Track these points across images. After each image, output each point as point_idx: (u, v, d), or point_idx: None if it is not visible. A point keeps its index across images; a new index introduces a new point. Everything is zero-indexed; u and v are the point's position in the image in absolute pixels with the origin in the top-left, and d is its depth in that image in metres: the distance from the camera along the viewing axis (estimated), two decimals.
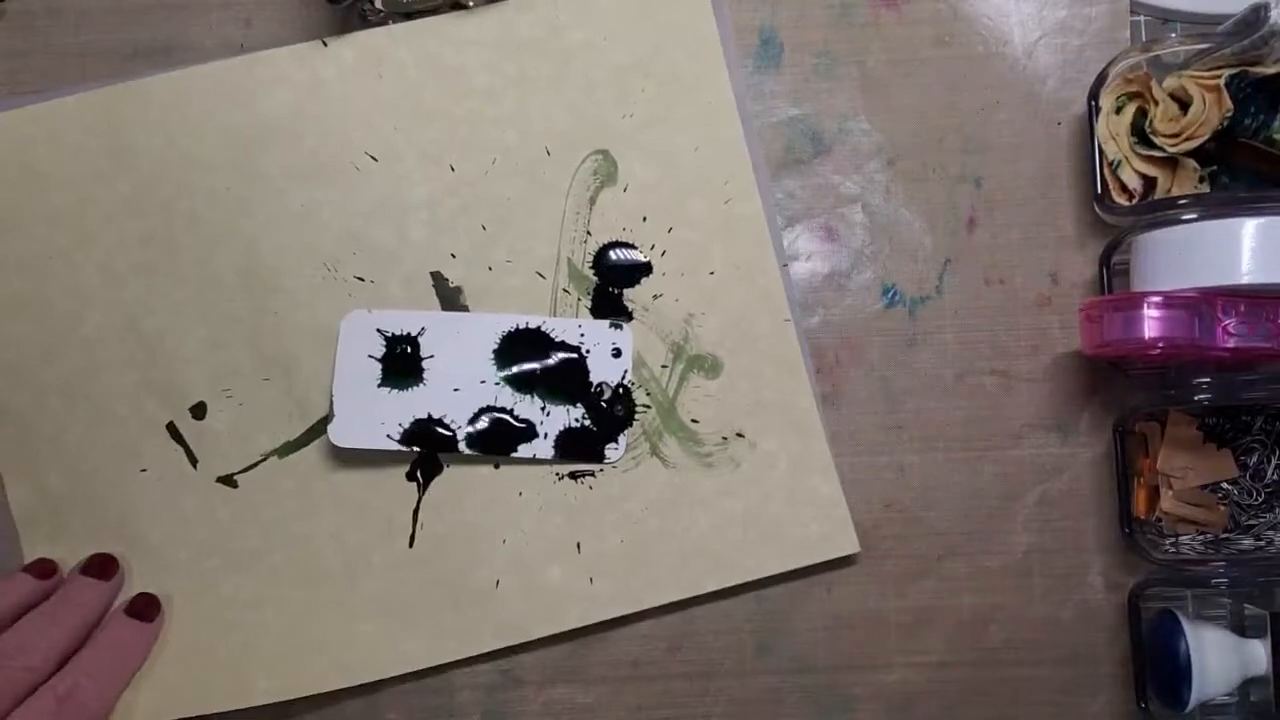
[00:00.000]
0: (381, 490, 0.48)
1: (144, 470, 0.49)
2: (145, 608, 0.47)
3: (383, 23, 0.49)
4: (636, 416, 0.48)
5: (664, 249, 0.49)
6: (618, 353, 0.48)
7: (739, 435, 0.49)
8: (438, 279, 0.49)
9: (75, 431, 0.49)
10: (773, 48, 0.50)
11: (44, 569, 0.47)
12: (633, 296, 0.49)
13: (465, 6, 0.49)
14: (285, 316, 0.48)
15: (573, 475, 0.48)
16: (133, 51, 0.50)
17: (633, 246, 0.49)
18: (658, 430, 0.49)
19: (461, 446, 0.48)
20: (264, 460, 0.49)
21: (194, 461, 0.49)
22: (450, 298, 0.49)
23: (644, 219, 0.49)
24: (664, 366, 0.49)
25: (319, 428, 0.48)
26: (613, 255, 0.49)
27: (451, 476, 0.48)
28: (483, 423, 0.48)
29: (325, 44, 0.48)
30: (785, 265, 0.49)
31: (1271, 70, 0.44)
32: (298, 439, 0.49)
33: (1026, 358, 0.49)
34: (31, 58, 0.50)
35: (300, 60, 0.48)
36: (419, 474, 0.49)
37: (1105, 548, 0.48)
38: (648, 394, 0.49)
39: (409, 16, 0.49)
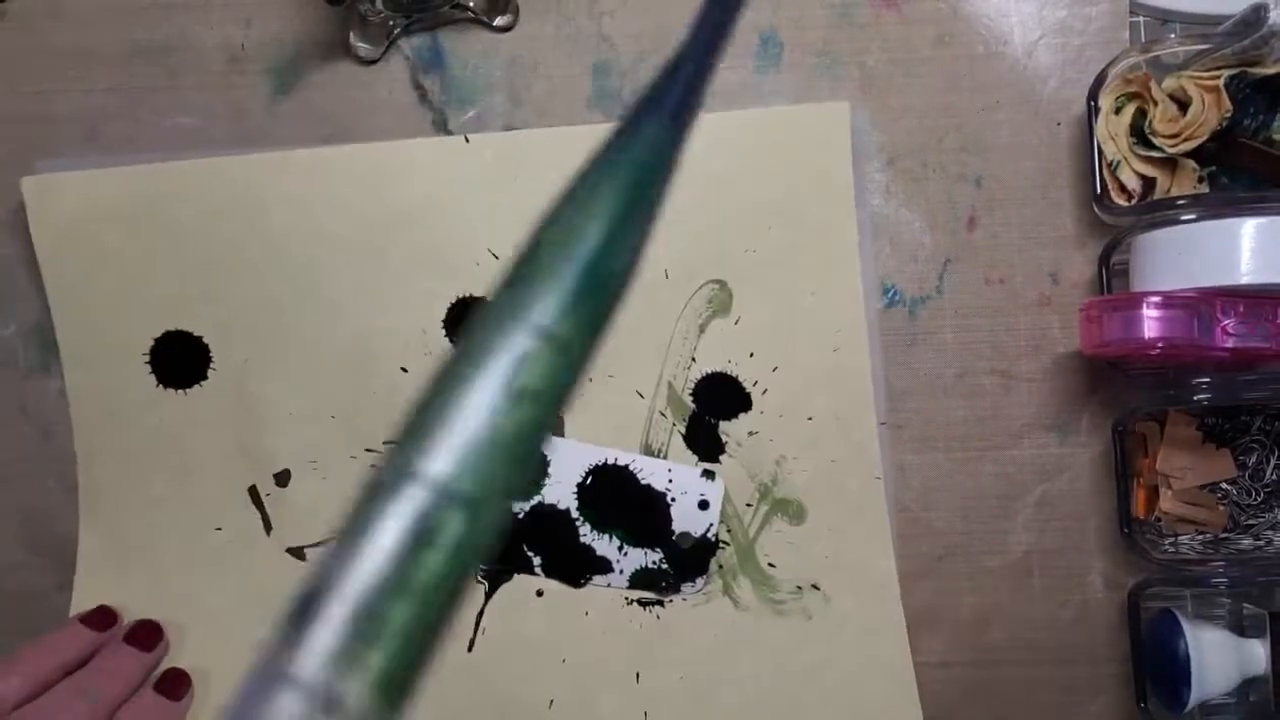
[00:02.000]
0: None
1: (218, 529, 0.48)
2: (175, 685, 0.46)
3: (383, 23, 0.49)
4: (715, 552, 0.48)
5: (766, 387, 0.48)
6: (705, 505, 0.47)
7: (814, 587, 0.48)
8: None
9: (160, 482, 0.48)
10: (773, 48, 0.50)
11: (103, 620, 0.46)
12: (728, 430, 0.48)
13: (465, 6, 0.49)
14: (383, 399, 0.48)
15: (641, 602, 0.48)
16: (133, 51, 0.50)
17: (736, 380, 0.48)
18: (733, 569, 0.48)
19: (538, 571, 0.47)
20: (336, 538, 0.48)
21: (268, 529, 0.48)
22: None
23: (751, 354, 0.48)
24: (748, 505, 0.48)
25: None
26: (714, 386, 0.48)
27: (519, 585, 0.48)
28: (560, 553, 0.47)
29: (468, 140, 0.48)
30: (883, 424, 0.48)
31: (1271, 70, 0.44)
32: None
33: (1026, 358, 0.49)
34: (31, 58, 0.50)
35: (441, 152, 0.48)
36: (486, 577, 0.48)
37: (1105, 548, 0.48)
38: (728, 530, 0.48)
39: (408, 17, 0.49)
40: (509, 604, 0.48)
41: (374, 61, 0.50)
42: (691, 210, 0.48)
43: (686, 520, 0.47)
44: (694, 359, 0.48)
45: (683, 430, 0.48)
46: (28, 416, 0.50)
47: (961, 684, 0.49)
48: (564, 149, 0.48)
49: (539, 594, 0.48)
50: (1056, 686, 0.49)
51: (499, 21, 0.49)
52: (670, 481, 0.47)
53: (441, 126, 0.49)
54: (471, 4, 0.49)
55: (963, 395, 0.49)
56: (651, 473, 0.47)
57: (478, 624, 0.48)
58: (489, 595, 0.48)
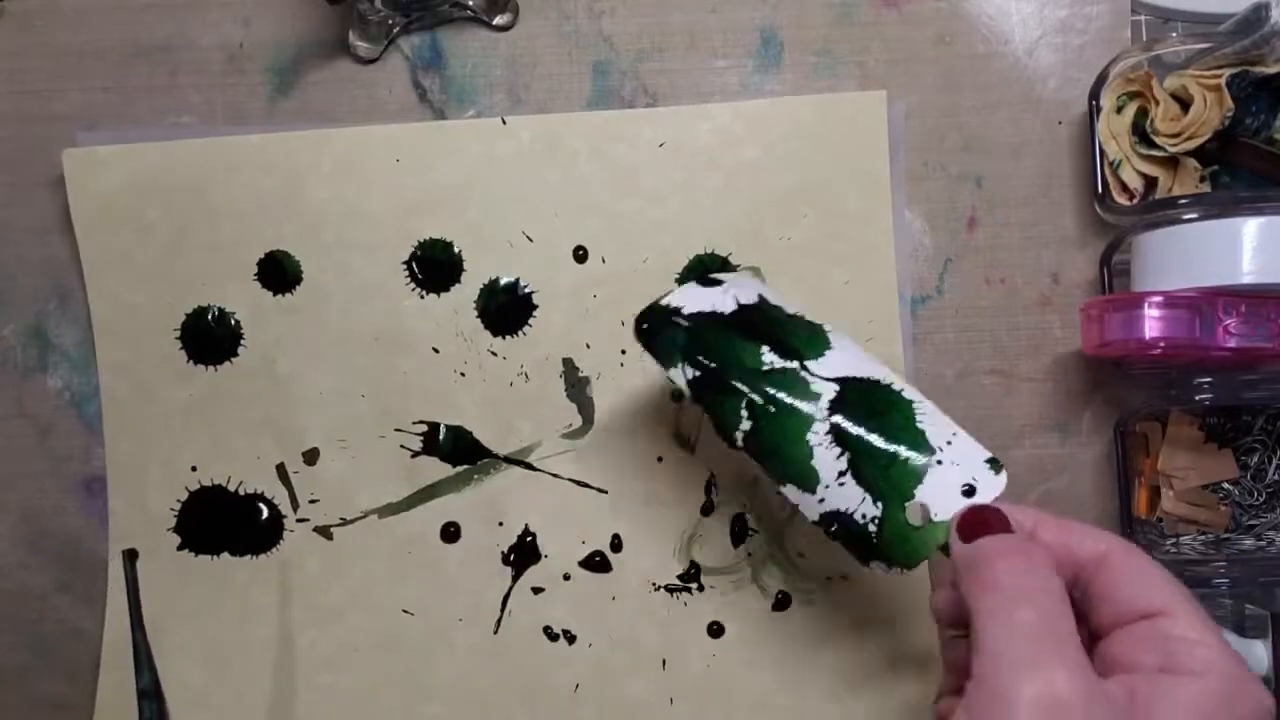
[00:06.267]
0: (475, 568, 0.48)
1: (246, 506, 0.49)
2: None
3: (382, 23, 0.49)
4: (745, 540, 0.48)
5: None
6: (970, 492, 0.38)
7: (843, 579, 0.48)
8: (569, 366, 0.48)
9: (188, 456, 0.49)
10: (773, 47, 0.49)
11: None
12: None
13: (465, 5, 0.49)
14: (413, 379, 0.48)
15: (669, 589, 0.48)
16: (133, 51, 0.50)
17: None
18: (763, 557, 0.48)
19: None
20: (363, 518, 0.48)
21: (295, 506, 0.49)
22: (578, 387, 0.48)
23: None
24: (778, 493, 0.48)
25: (423, 495, 0.48)
26: None
27: (546, 568, 0.48)
28: (773, 425, 0.41)
29: (504, 122, 0.49)
30: None
31: (1272, 70, 0.44)
32: (401, 502, 0.48)
33: (1027, 358, 0.49)
34: (31, 57, 0.50)
35: (478, 134, 0.49)
36: (514, 560, 0.48)
37: None
38: (758, 518, 0.48)
39: (408, 16, 0.49)
40: (535, 588, 0.48)
41: (373, 61, 0.50)
42: (726, 197, 0.48)
43: (937, 492, 0.38)
44: None
45: None
46: (26, 417, 0.50)
47: None
48: (602, 132, 0.49)
49: (565, 578, 0.48)
50: None
51: (498, 20, 0.49)
52: (949, 442, 0.39)
53: None
54: (471, 3, 0.49)
55: (963, 395, 0.49)
56: (931, 422, 0.39)
57: (504, 606, 0.48)
58: (515, 578, 0.48)
